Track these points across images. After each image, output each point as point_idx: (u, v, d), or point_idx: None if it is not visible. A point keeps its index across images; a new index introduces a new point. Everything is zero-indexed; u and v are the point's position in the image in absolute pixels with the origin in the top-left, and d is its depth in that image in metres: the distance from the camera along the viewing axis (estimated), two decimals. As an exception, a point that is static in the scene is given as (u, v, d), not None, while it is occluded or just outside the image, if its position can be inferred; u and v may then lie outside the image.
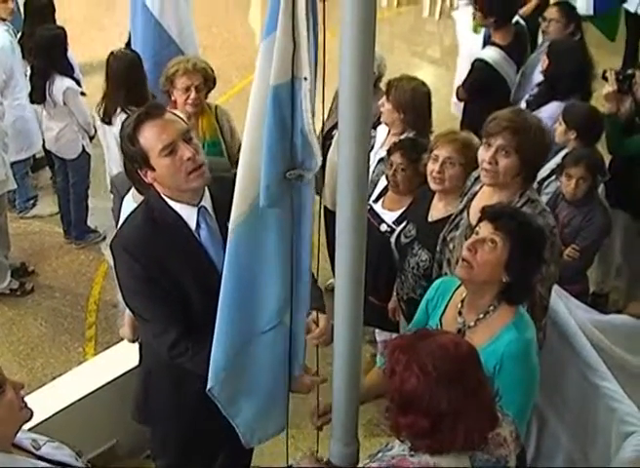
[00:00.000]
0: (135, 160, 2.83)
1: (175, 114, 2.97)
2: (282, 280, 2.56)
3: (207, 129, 4.75)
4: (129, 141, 2.81)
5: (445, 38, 9.01)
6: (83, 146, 5.97)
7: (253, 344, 2.66)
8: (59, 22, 6.26)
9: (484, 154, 3.22)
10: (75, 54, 6.18)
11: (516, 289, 2.80)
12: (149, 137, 2.77)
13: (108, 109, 5.17)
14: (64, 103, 5.77)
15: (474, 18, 6.29)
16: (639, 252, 5.35)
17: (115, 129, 4.99)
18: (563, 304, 3.66)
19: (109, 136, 5.19)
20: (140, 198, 3.14)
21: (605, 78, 4.86)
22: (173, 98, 4.79)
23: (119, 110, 5.08)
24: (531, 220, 2.91)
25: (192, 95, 4.69)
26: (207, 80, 4.80)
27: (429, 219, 3.82)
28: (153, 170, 2.80)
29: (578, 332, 3.59)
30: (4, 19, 6.01)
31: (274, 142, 2.27)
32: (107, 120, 5.14)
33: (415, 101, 4.43)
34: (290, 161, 2.32)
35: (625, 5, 7.31)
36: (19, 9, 6.42)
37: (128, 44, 5.74)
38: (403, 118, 4.45)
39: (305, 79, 2.21)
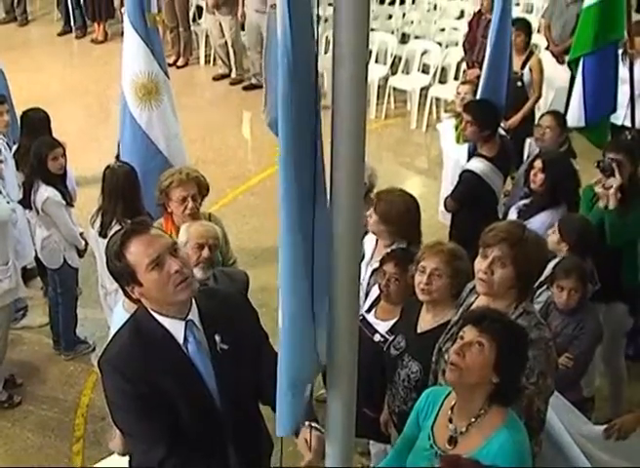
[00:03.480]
0: (122, 276, 2.85)
1: (160, 229, 3.02)
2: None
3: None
4: (115, 258, 2.83)
5: (432, 149, 9.18)
6: (65, 258, 5.92)
7: None
8: (55, 135, 6.36)
9: (480, 264, 3.26)
10: (70, 165, 6.27)
11: (506, 389, 2.83)
12: (136, 253, 2.80)
13: (104, 222, 5.21)
14: (45, 213, 5.75)
15: (456, 129, 6.46)
16: (619, 353, 5.37)
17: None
18: (555, 415, 3.65)
19: (103, 249, 5.20)
20: (132, 307, 3.15)
21: (600, 168, 4.99)
22: (169, 210, 4.84)
23: (114, 222, 5.12)
24: (511, 320, 2.95)
25: (189, 204, 4.75)
26: (201, 188, 4.88)
27: (418, 331, 3.83)
28: (140, 285, 2.82)
29: (572, 445, 3.57)
30: (-1, 132, 6.11)
31: None
32: (103, 233, 5.17)
33: (400, 214, 4.49)
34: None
35: (612, 119, 7.48)
36: (15, 121, 6.53)
37: (117, 156, 5.84)
38: (389, 230, 4.50)
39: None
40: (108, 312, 5.41)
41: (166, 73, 5.75)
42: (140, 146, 5.69)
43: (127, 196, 5.16)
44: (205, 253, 4.25)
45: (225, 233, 4.94)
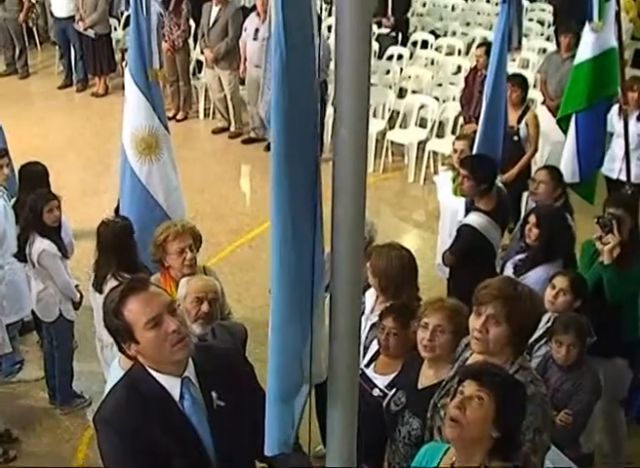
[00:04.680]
0: (118, 333, 2.84)
1: (159, 287, 3.02)
2: None
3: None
4: (113, 315, 2.82)
5: (429, 202, 9.22)
6: (60, 311, 5.90)
7: None
8: (52, 187, 6.39)
9: (474, 322, 3.26)
10: (68, 218, 6.29)
11: (506, 444, 2.82)
12: (134, 311, 2.79)
13: (99, 277, 5.21)
14: (41, 265, 5.75)
15: (453, 181, 6.50)
16: (619, 409, 5.34)
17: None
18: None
19: (100, 302, 5.20)
20: (128, 364, 3.14)
21: (599, 224, 5.01)
22: (166, 265, 4.83)
23: (109, 277, 5.12)
24: (510, 374, 2.94)
25: (188, 255, 4.76)
26: (195, 239, 4.90)
27: (419, 387, 3.81)
28: (137, 343, 2.81)
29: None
30: (-1, 185, 6.13)
31: None
32: (98, 288, 5.17)
33: (391, 269, 4.49)
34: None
35: (606, 172, 7.55)
36: (14, 174, 6.56)
37: (117, 209, 5.87)
38: (383, 284, 4.50)
39: None
40: (105, 366, 5.38)
41: (166, 128, 5.80)
42: (139, 200, 5.72)
43: (121, 250, 5.17)
44: (204, 307, 4.23)
45: (221, 286, 4.95)
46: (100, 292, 5.13)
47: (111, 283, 4.99)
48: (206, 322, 4.23)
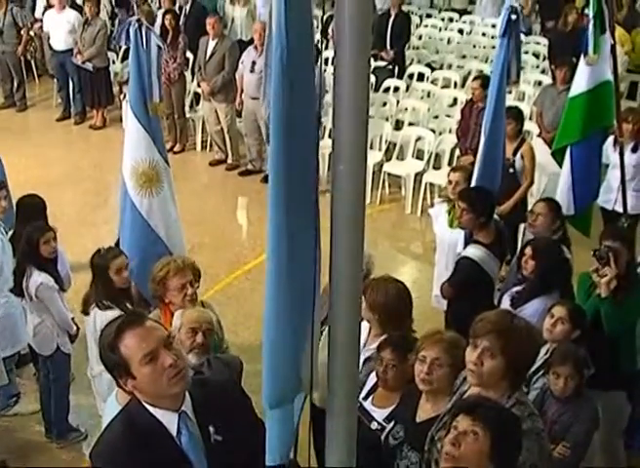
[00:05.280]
0: (115, 368, 2.84)
1: (155, 321, 3.01)
2: None
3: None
4: (109, 350, 2.82)
5: (427, 234, 9.22)
6: (58, 344, 5.89)
7: None
8: (50, 219, 6.40)
9: (470, 355, 3.26)
10: (65, 250, 6.29)
11: None
12: (130, 346, 2.79)
13: (85, 299, 5.31)
14: (38, 298, 5.75)
15: (449, 213, 6.51)
16: (618, 442, 5.32)
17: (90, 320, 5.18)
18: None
19: (89, 327, 5.27)
20: (125, 398, 3.13)
21: (596, 256, 5.01)
22: (167, 301, 4.81)
23: (92, 301, 5.19)
24: (505, 407, 2.93)
25: (189, 291, 4.76)
26: (195, 274, 4.90)
27: (417, 420, 3.79)
28: (134, 378, 2.80)
29: None
30: (-4, 217, 6.13)
31: None
32: (85, 310, 5.26)
33: (388, 304, 4.49)
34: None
35: (602, 203, 7.57)
36: (12, 206, 6.56)
37: (118, 243, 5.87)
38: (379, 318, 4.50)
39: None
40: (98, 398, 5.37)
41: (166, 161, 5.81)
42: (140, 233, 5.72)
43: (104, 278, 5.20)
44: (199, 338, 4.24)
45: (219, 320, 4.94)
46: (87, 314, 5.23)
47: (95, 310, 5.11)
48: (201, 352, 4.24)
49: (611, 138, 7.17)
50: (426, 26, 15.07)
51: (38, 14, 13.68)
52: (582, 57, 6.80)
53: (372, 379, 4.33)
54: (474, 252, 5.71)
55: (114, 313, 5.06)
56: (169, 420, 2.86)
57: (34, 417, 6.35)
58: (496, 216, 6.06)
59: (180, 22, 12.28)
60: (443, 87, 12.14)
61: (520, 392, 3.34)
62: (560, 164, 7.18)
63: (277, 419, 2.72)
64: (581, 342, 4.67)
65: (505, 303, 5.37)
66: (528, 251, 5.34)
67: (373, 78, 11.67)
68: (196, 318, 4.34)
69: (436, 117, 11.17)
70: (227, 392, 3.14)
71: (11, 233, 6.29)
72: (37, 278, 5.67)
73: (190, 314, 4.39)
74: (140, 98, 5.58)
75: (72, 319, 5.94)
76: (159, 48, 5.66)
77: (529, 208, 7.09)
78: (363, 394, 4.29)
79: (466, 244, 5.93)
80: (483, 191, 5.93)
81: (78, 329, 5.90)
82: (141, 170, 5.65)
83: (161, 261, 4.97)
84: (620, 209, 6.98)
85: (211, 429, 2.90)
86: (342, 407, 2.56)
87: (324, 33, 10.72)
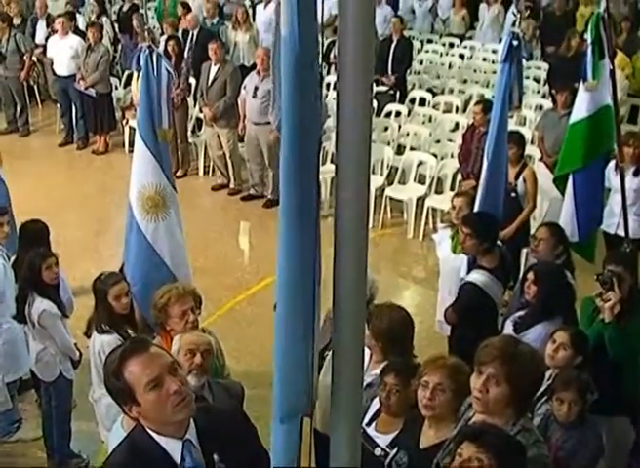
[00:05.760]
0: (119, 395, 2.83)
1: (160, 348, 3.01)
2: None
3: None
4: (114, 377, 2.81)
5: (429, 259, 9.22)
6: (60, 371, 5.88)
7: None
8: (53, 245, 6.40)
9: (475, 382, 3.25)
10: (68, 276, 6.29)
11: None
12: (135, 372, 2.78)
13: (88, 322, 5.32)
14: (41, 325, 5.75)
15: (452, 239, 6.51)
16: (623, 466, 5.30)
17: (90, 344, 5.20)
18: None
19: (92, 350, 5.26)
20: (130, 424, 3.11)
21: (600, 281, 5.00)
22: (168, 328, 4.80)
23: (92, 327, 5.20)
24: (509, 434, 2.92)
25: (191, 317, 4.76)
26: (196, 301, 4.90)
27: (421, 446, 3.77)
28: (138, 405, 2.78)
29: None
30: (-2, 243, 6.12)
31: None
32: (88, 332, 5.27)
33: (392, 331, 4.49)
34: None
35: (604, 228, 7.58)
36: (15, 231, 6.56)
37: (122, 269, 5.87)
38: (381, 346, 4.49)
39: None
40: (100, 423, 5.36)
41: (173, 186, 5.83)
42: (145, 258, 5.73)
43: (106, 303, 5.21)
44: (197, 359, 4.25)
45: (220, 346, 4.93)
46: (89, 336, 5.26)
47: (93, 334, 5.14)
48: (200, 373, 4.25)
49: (612, 163, 7.18)
50: (427, 51, 15.15)
51: (38, 39, 13.76)
52: (582, 82, 6.82)
53: (374, 405, 4.31)
54: (478, 277, 5.70)
55: (112, 338, 5.07)
56: (173, 448, 2.84)
57: (36, 444, 6.32)
58: (498, 241, 6.06)
59: (187, 48, 12.36)
60: (444, 111, 12.18)
61: (525, 419, 3.32)
62: (562, 191, 7.19)
63: (284, 431, 2.71)
64: (584, 367, 4.65)
65: (508, 328, 5.35)
66: (530, 276, 5.33)
67: (374, 103, 11.72)
68: (193, 339, 4.37)
69: (438, 142, 11.20)
70: (232, 420, 3.13)
71: (13, 259, 6.29)
72: (39, 305, 5.67)
73: (188, 337, 4.42)
74: (149, 124, 5.60)
75: (75, 344, 5.93)
76: (169, 74, 5.68)
77: (531, 232, 7.08)
78: (366, 420, 4.27)
79: (470, 269, 5.92)
80: (486, 217, 5.93)
81: (81, 354, 5.89)
82: (148, 195, 5.66)
83: (162, 288, 4.97)
84: (622, 233, 6.97)
85: (215, 457, 2.88)
86: (345, 432, 2.55)
87: (326, 59, 10.78)
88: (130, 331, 5.22)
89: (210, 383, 4.33)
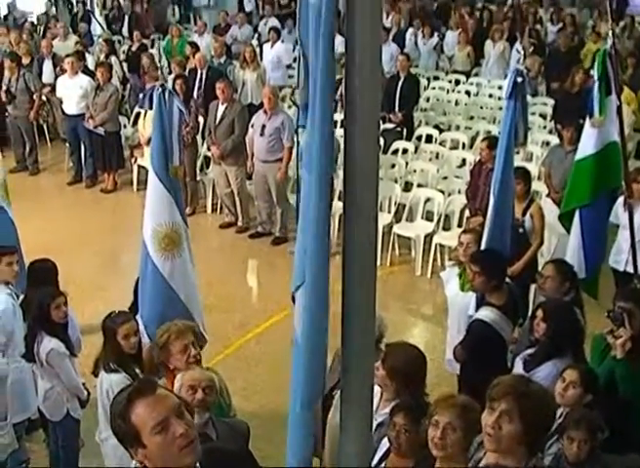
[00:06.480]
0: (125, 437, 2.80)
1: (167, 389, 2.99)
2: None
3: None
4: (120, 419, 2.78)
5: (437, 296, 9.18)
6: (68, 410, 5.86)
7: None
8: (61, 283, 6.40)
9: (487, 418, 3.22)
10: (76, 314, 6.28)
11: None
12: (141, 415, 2.75)
13: (97, 363, 5.33)
14: (49, 364, 5.74)
15: (460, 277, 6.49)
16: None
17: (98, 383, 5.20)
18: None
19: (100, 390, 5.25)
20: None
21: (610, 318, 4.98)
22: (171, 367, 4.79)
23: (100, 365, 5.22)
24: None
25: (192, 352, 4.75)
26: (196, 337, 4.90)
27: (432, 487, 3.73)
28: (144, 447, 2.76)
29: None
30: (7, 283, 6.11)
31: None
32: (95, 371, 5.27)
33: (408, 370, 4.47)
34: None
35: (613, 264, 7.55)
36: (24, 269, 6.57)
37: (131, 306, 5.87)
38: (396, 386, 4.47)
39: None
40: (107, 462, 5.33)
41: (186, 223, 5.85)
42: (162, 295, 5.73)
43: (114, 341, 5.21)
44: (199, 394, 4.25)
45: (225, 385, 4.92)
46: (96, 375, 5.25)
47: (101, 373, 5.13)
48: (202, 410, 4.23)
49: (621, 199, 7.18)
50: (434, 88, 15.24)
51: (45, 79, 13.89)
52: (588, 119, 6.84)
53: (384, 445, 4.28)
54: (487, 314, 5.68)
55: (120, 377, 5.07)
56: None
57: (43, 485, 6.28)
58: (507, 278, 6.04)
59: (195, 87, 12.47)
60: (451, 148, 12.22)
61: (537, 458, 3.29)
62: (568, 227, 7.19)
63: (302, 422, 2.75)
64: (595, 406, 4.61)
65: (518, 366, 5.32)
66: (539, 313, 5.31)
67: (381, 140, 11.77)
68: (195, 376, 4.38)
69: (445, 178, 11.22)
70: (237, 459, 3.10)
71: (22, 297, 6.29)
72: (48, 344, 5.67)
73: (189, 374, 4.44)
74: (163, 162, 5.64)
75: (83, 384, 5.91)
76: (181, 112, 5.73)
77: (539, 268, 7.07)
78: (375, 460, 4.24)
79: (478, 306, 5.89)
80: (495, 254, 5.92)
81: (89, 394, 5.87)
82: (164, 232, 5.68)
83: (161, 327, 4.99)
84: (631, 270, 6.95)
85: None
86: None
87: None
88: (137, 371, 5.22)
89: (214, 421, 4.31)
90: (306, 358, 2.68)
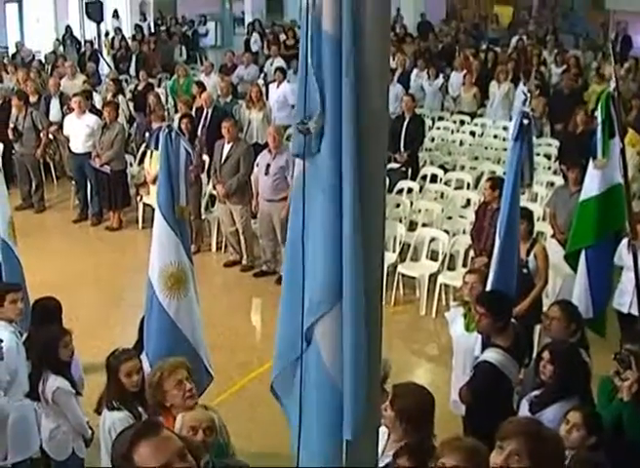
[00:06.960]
0: None
1: (171, 430, 2.97)
2: None
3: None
4: (123, 460, 2.76)
5: (442, 336, 9.15)
6: (73, 449, 5.84)
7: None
8: (65, 320, 6.40)
9: (496, 458, 3.20)
10: (80, 352, 6.26)
11: None
12: (144, 456, 2.72)
13: (100, 401, 5.31)
14: (55, 403, 5.72)
15: (465, 317, 6.48)
16: None
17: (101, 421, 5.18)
18: None
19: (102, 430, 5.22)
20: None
21: (618, 360, 4.95)
22: (168, 405, 4.77)
23: (103, 404, 5.19)
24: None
25: (187, 386, 4.73)
26: (188, 371, 4.88)
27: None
28: None
29: None
30: (11, 321, 6.10)
31: None
32: (99, 409, 5.23)
33: (418, 411, 4.45)
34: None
35: (617, 306, 7.54)
36: (28, 307, 6.56)
37: (136, 346, 5.86)
38: (405, 427, 4.44)
39: None
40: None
41: (191, 262, 5.87)
42: (168, 334, 5.74)
43: (117, 379, 5.21)
44: (199, 436, 4.22)
45: (224, 423, 4.89)
46: (99, 413, 5.24)
47: (104, 411, 5.12)
48: (202, 451, 4.20)
49: (625, 241, 7.18)
50: (439, 129, 15.31)
51: (52, 117, 14.00)
52: (591, 161, 6.86)
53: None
54: (493, 355, 5.66)
55: (122, 415, 5.05)
56: None
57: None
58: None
59: (201, 126, 12.54)
60: (456, 188, 12.24)
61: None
62: (573, 268, 7.18)
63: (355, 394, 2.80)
64: (599, 448, 4.58)
65: (524, 408, 5.29)
66: (545, 355, 5.29)
67: (387, 179, 11.79)
68: (195, 416, 4.36)
69: (450, 218, 11.23)
70: None
71: (25, 335, 6.27)
72: (54, 382, 5.66)
73: (190, 415, 4.43)
74: (169, 202, 5.67)
75: (87, 422, 5.88)
76: (187, 153, 5.77)
77: (544, 309, 7.05)
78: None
79: (484, 347, 5.87)
80: (500, 295, 5.92)
81: (93, 432, 5.84)
82: (170, 272, 5.71)
83: (154, 367, 4.98)
84: (635, 312, 6.93)
85: None
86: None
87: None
88: (140, 409, 5.20)
89: (214, 463, 4.28)
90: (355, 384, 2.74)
